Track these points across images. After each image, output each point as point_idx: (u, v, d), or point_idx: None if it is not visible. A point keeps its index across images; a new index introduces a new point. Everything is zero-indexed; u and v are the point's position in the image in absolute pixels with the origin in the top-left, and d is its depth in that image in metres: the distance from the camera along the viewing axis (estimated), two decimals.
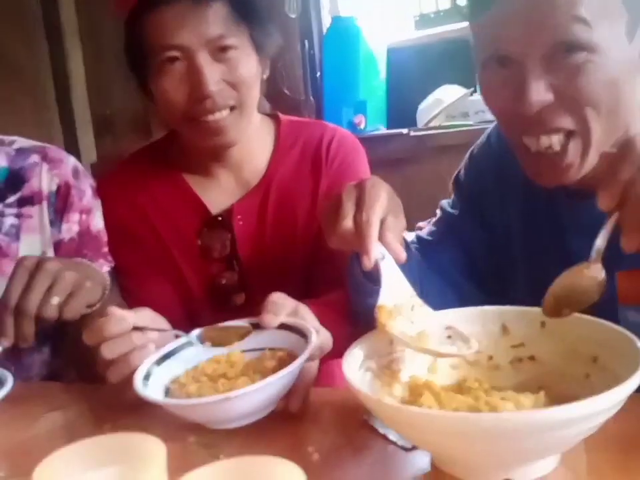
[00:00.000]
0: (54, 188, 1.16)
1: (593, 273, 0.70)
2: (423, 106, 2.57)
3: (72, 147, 3.18)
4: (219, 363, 0.84)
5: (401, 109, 2.66)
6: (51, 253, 1.15)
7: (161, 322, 0.88)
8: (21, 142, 1.20)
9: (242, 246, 1.19)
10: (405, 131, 2.59)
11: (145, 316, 0.86)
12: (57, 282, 0.92)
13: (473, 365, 0.79)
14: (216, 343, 0.86)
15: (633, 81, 0.84)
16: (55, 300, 0.92)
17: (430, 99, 2.55)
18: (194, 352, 0.86)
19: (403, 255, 0.82)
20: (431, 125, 2.54)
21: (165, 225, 1.20)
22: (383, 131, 2.72)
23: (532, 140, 0.86)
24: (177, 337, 0.87)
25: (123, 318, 0.81)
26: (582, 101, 0.81)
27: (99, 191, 1.24)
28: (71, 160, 1.21)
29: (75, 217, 1.16)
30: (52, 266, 0.93)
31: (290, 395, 0.80)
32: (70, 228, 1.16)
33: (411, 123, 2.61)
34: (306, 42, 2.74)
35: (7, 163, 1.16)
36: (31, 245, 1.14)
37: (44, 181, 1.16)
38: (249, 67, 1.10)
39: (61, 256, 1.14)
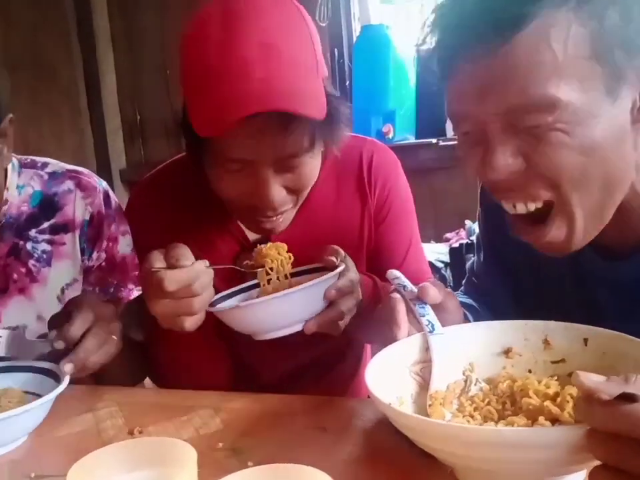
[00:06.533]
0: (87, 217, 1.16)
1: None
2: None
3: (102, 153, 3.22)
4: None
5: (430, 119, 2.65)
6: (80, 279, 1.16)
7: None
8: (53, 165, 1.19)
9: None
10: (433, 140, 2.59)
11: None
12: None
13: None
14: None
15: (623, 146, 0.73)
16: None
17: None
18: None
19: (437, 296, 0.80)
20: None
21: (202, 248, 1.03)
22: (412, 140, 2.72)
23: (508, 205, 0.80)
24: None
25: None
26: (552, 171, 0.73)
27: (131, 207, 1.21)
28: (103, 186, 1.20)
29: (103, 245, 1.17)
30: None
31: (316, 316, 0.92)
32: (99, 256, 1.17)
33: (440, 132, 2.61)
34: (335, 50, 2.75)
35: (41, 187, 1.16)
36: (61, 271, 1.15)
37: (78, 209, 1.16)
38: (314, 170, 1.03)
39: (89, 282, 1.17)
